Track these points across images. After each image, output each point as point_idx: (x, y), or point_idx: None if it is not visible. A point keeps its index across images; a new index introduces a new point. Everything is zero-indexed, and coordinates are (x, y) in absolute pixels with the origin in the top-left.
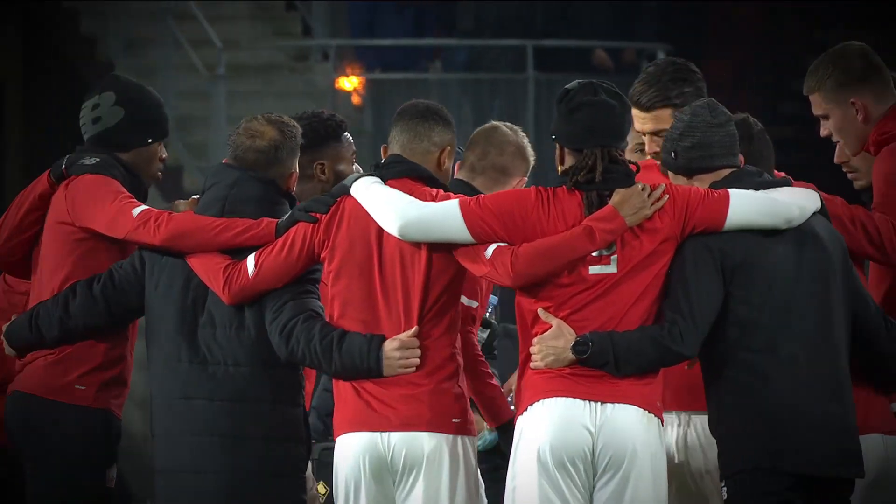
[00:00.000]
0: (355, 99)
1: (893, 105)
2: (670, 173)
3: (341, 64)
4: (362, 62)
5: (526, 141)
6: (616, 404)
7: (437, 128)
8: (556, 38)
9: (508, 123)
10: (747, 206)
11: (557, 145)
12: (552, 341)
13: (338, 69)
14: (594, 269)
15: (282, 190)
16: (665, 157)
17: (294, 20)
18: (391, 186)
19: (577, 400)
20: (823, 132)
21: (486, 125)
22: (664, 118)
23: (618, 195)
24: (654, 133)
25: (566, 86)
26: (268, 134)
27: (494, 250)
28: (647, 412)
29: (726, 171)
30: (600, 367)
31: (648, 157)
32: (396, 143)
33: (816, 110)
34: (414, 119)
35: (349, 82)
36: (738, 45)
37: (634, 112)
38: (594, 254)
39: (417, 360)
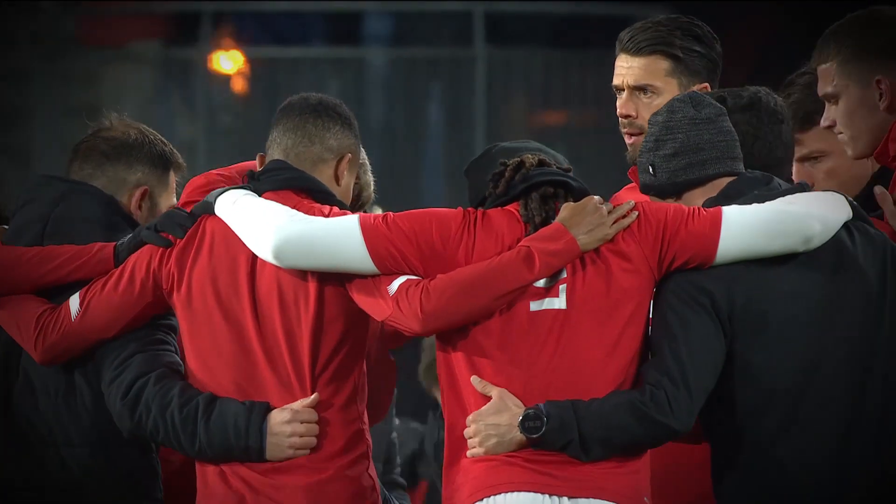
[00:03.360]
0: (238, 84)
1: None
2: (651, 199)
3: (217, 35)
4: (247, 33)
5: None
6: (590, 500)
7: (335, 128)
8: None
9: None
10: (746, 226)
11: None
12: (493, 418)
13: (213, 42)
14: (536, 305)
15: (124, 211)
16: (642, 178)
17: None
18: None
19: (536, 495)
20: (825, 122)
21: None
22: (656, 71)
23: (567, 209)
24: (639, 88)
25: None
26: (121, 128)
27: (401, 284)
28: None
29: (724, 182)
30: (561, 450)
31: (624, 130)
32: (278, 148)
33: (824, 87)
34: (303, 116)
35: (229, 60)
36: (763, 13)
37: (619, 61)
38: (539, 284)
39: (314, 439)
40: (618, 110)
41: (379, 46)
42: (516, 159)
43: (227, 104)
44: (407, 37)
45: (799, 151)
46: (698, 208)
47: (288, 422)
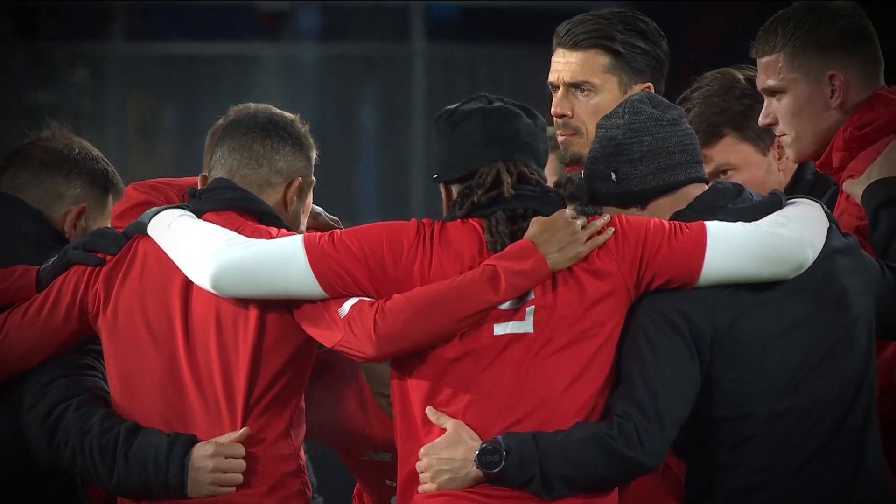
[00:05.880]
0: (153, 83)
1: (875, 93)
2: (609, 210)
3: (131, 29)
4: (165, 27)
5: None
6: None
7: (284, 149)
8: None
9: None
10: (735, 248)
11: (442, 188)
12: (447, 451)
13: (126, 37)
14: (501, 329)
15: (55, 228)
16: (596, 186)
17: None
18: (209, 222)
19: None
20: (764, 119)
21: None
22: (595, 67)
23: (536, 224)
24: (575, 85)
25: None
26: (62, 139)
27: (353, 305)
28: None
29: (694, 192)
30: (520, 487)
31: (558, 130)
32: (222, 169)
33: (767, 80)
34: (249, 135)
35: (144, 57)
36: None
37: (555, 56)
38: (504, 305)
39: (240, 476)
40: (552, 109)
41: (308, 42)
42: (494, 171)
43: (142, 105)
44: (339, 32)
45: (706, 168)
46: (681, 224)
47: (211, 455)
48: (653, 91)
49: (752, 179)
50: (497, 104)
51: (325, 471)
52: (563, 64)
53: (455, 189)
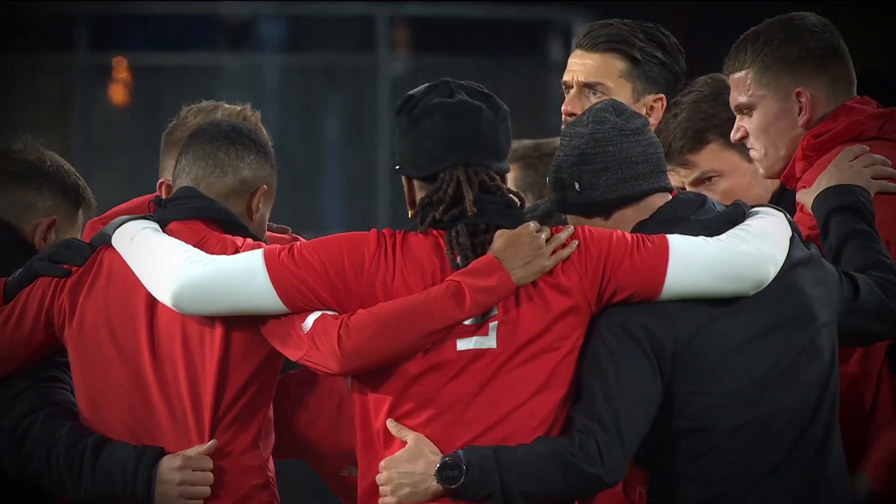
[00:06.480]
0: (117, 94)
1: (843, 104)
2: (572, 218)
3: (94, 39)
4: (127, 38)
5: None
6: None
7: (249, 157)
8: (422, 0)
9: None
10: (696, 264)
11: (404, 180)
12: (407, 465)
13: (89, 48)
14: (464, 344)
15: (25, 241)
16: (561, 195)
17: None
18: (174, 232)
19: None
20: (736, 134)
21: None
22: (611, 71)
23: (500, 239)
24: (589, 86)
25: (409, 92)
26: (34, 152)
27: (317, 320)
28: None
29: (657, 202)
30: (481, 501)
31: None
32: (187, 178)
33: (737, 97)
34: (215, 143)
35: (106, 68)
36: (684, 14)
37: (572, 57)
38: (466, 322)
39: (208, 489)
40: (563, 107)
41: (271, 53)
42: (455, 182)
43: (105, 115)
44: (302, 42)
45: (691, 174)
46: (643, 237)
47: (179, 468)
48: (664, 104)
49: (737, 186)
50: (458, 97)
51: (308, 478)
52: (580, 64)
53: (417, 184)
